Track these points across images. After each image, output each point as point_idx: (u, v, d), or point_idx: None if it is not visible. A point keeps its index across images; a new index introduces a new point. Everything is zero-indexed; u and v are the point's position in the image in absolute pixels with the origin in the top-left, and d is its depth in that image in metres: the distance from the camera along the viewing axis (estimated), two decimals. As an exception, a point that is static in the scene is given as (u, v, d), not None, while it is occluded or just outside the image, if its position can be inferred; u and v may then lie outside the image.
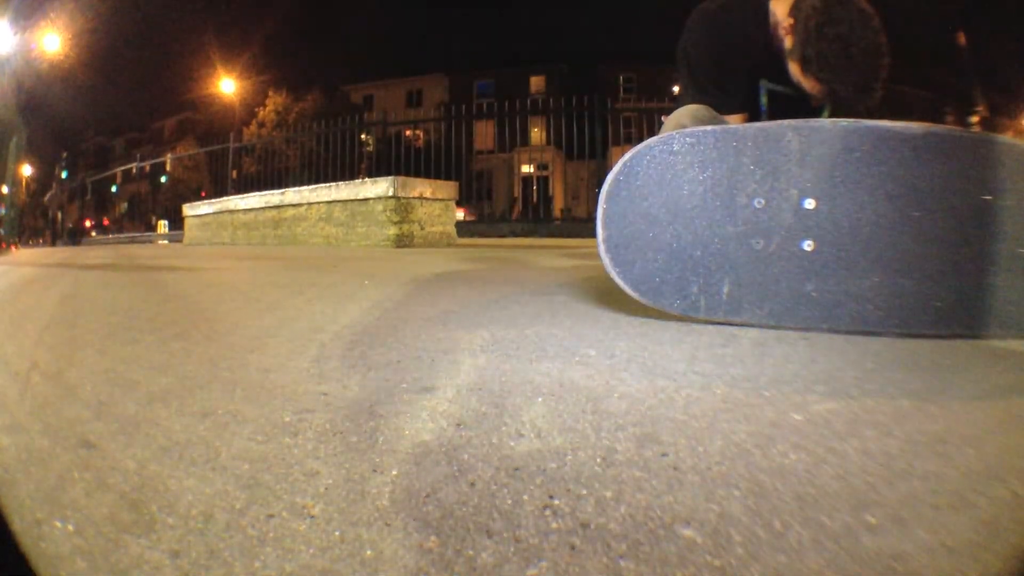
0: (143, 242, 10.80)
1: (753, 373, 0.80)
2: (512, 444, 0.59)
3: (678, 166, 1.04)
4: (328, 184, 4.73)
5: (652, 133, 1.43)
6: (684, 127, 1.30)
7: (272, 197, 5.14)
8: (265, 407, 0.72)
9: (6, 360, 1.02)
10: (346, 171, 7.43)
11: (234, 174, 9.47)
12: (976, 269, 0.92)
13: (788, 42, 1.37)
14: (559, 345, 0.97)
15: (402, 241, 4.14)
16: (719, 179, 1.02)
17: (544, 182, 19.25)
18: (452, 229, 4.58)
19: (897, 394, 0.72)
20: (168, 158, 13.21)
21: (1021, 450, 0.59)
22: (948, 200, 0.94)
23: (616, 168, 1.07)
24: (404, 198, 4.20)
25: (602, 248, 1.07)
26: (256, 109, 18.30)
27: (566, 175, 16.53)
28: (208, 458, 0.58)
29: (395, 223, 4.17)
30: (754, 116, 1.50)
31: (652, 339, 1.00)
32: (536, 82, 25.01)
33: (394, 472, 0.54)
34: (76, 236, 13.04)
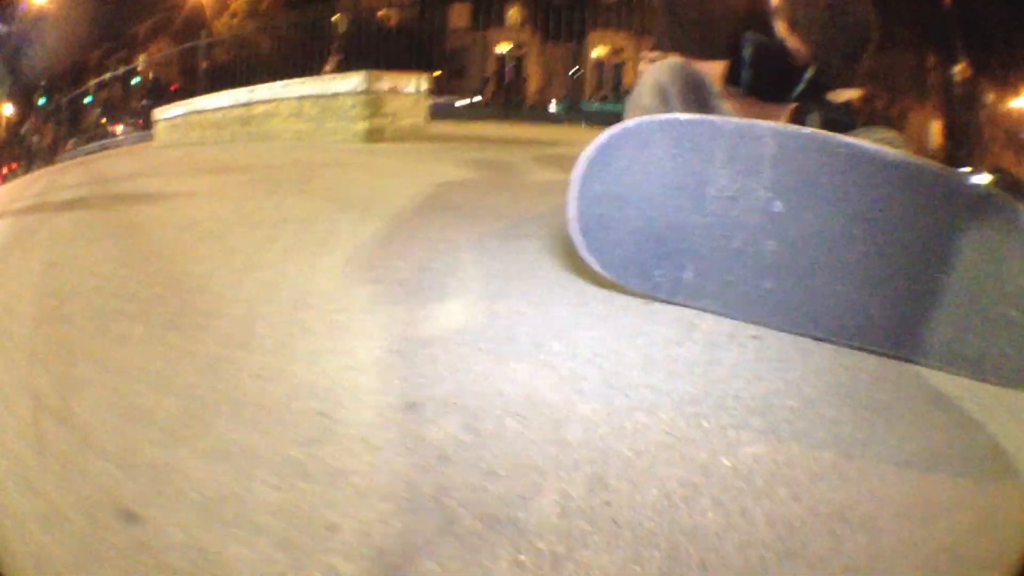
0: (115, 148, 10.57)
1: (700, 391, 0.84)
2: (488, 487, 0.64)
3: (652, 153, 1.07)
4: (298, 80, 4.69)
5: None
6: (664, 88, 1.34)
7: (241, 95, 5.09)
8: (271, 436, 0.74)
9: (7, 395, 0.96)
10: (317, 58, 7.30)
11: (204, 64, 9.21)
12: (929, 301, 0.96)
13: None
14: (528, 336, 1.00)
15: (372, 136, 4.16)
16: (692, 170, 1.06)
17: (518, 62, 18.69)
18: (422, 120, 4.59)
19: (823, 440, 0.75)
20: (140, 61, 12.73)
21: (915, 541, 0.60)
22: (912, 229, 0.98)
23: (590, 150, 1.10)
24: (374, 92, 4.20)
25: (573, 227, 1.11)
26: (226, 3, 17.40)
27: (543, 57, 16.08)
28: (241, 515, 0.60)
29: (365, 118, 4.18)
30: (735, 66, 1.49)
31: (613, 329, 1.04)
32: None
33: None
34: (52, 155, 12.77)
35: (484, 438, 0.72)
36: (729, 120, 1.09)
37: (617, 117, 1.25)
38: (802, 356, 0.95)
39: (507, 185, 2.56)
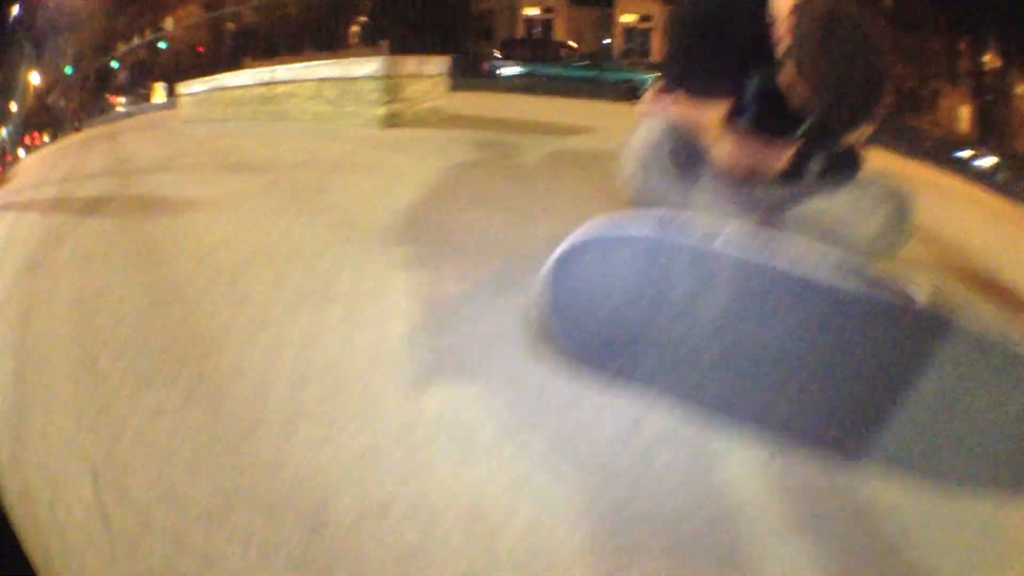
0: (139, 115, 10.70)
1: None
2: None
3: (611, 263, 1.15)
4: (319, 62, 4.72)
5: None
6: (651, 158, 1.36)
7: (263, 74, 5.14)
8: (281, 525, 0.84)
9: (68, 464, 1.07)
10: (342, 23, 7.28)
11: (233, 26, 9.30)
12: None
13: (784, 42, 1.34)
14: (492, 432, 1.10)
15: (391, 121, 4.20)
16: (651, 280, 1.14)
17: (547, 25, 18.01)
18: (442, 103, 4.61)
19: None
20: (167, 27, 12.78)
21: None
22: (865, 363, 1.06)
23: (554, 258, 1.17)
24: (394, 77, 4.22)
25: (542, 321, 1.22)
26: None
27: (570, 21, 15.70)
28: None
29: (384, 103, 4.21)
30: (738, 106, 1.52)
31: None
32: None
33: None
34: (78, 123, 12.88)
35: (430, 549, 0.82)
36: (689, 246, 1.14)
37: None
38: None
39: (515, 199, 2.58)
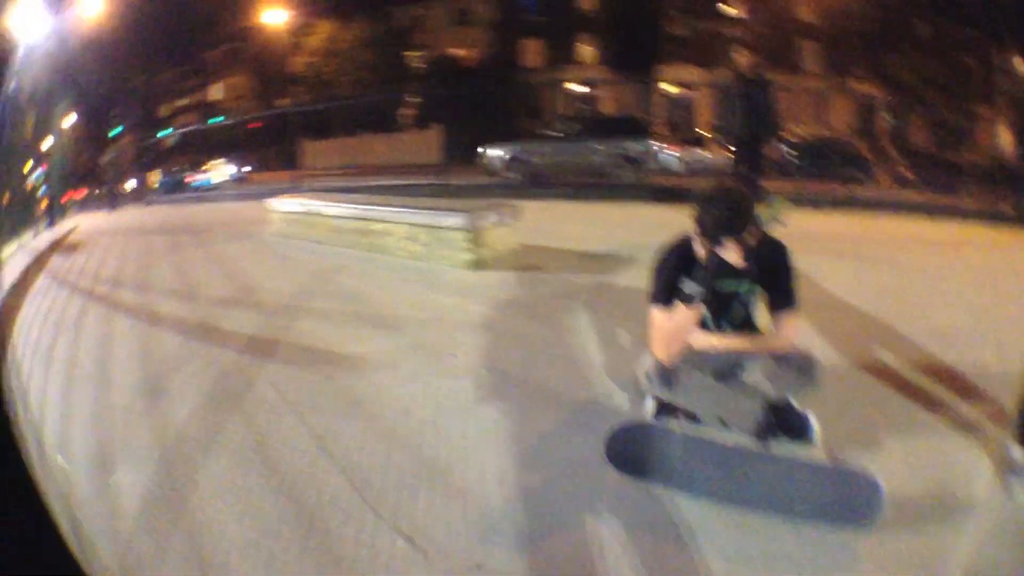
0: (212, 201, 11.60)
1: None
2: None
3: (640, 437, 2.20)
4: (411, 208, 5.78)
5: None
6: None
7: (358, 210, 6.18)
8: None
9: None
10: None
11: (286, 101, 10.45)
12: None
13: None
14: None
15: (477, 265, 5.23)
16: (657, 445, 2.15)
17: (591, 100, 18.50)
18: (514, 244, 5.65)
19: None
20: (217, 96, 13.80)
21: None
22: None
23: (608, 434, 2.15)
24: (476, 229, 5.27)
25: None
26: (301, 38, 18.09)
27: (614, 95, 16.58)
28: None
29: (470, 250, 5.26)
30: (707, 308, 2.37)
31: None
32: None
33: None
34: (140, 197, 13.63)
35: None
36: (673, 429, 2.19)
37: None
38: None
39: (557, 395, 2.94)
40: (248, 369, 3.32)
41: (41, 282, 5.75)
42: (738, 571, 1.80)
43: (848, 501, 1.96)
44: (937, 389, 2.84)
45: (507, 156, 12.32)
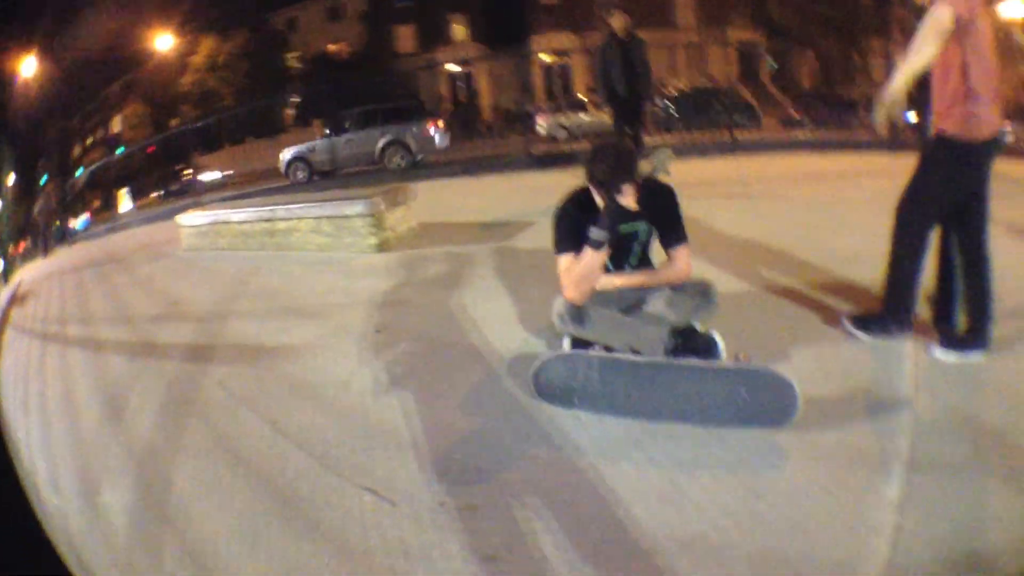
0: (127, 230, 11.52)
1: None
2: None
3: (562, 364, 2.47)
4: (313, 203, 6.08)
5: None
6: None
7: (264, 212, 6.42)
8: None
9: None
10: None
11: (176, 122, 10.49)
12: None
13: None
14: None
15: (382, 247, 5.60)
16: (579, 372, 2.44)
17: (468, 78, 18.87)
18: (413, 224, 6.03)
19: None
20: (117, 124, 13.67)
21: None
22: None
23: (537, 364, 2.46)
24: (377, 214, 5.63)
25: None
26: (188, 58, 17.80)
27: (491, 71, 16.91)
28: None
29: (374, 234, 5.62)
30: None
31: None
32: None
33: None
34: (65, 238, 13.53)
35: None
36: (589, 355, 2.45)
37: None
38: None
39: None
40: (194, 375, 3.56)
41: (8, 337, 5.82)
42: (672, 476, 2.01)
43: (761, 401, 2.14)
44: (839, 303, 3.13)
45: (292, 158, 13.04)
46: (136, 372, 3.82)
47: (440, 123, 12.98)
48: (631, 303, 2.70)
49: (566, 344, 2.70)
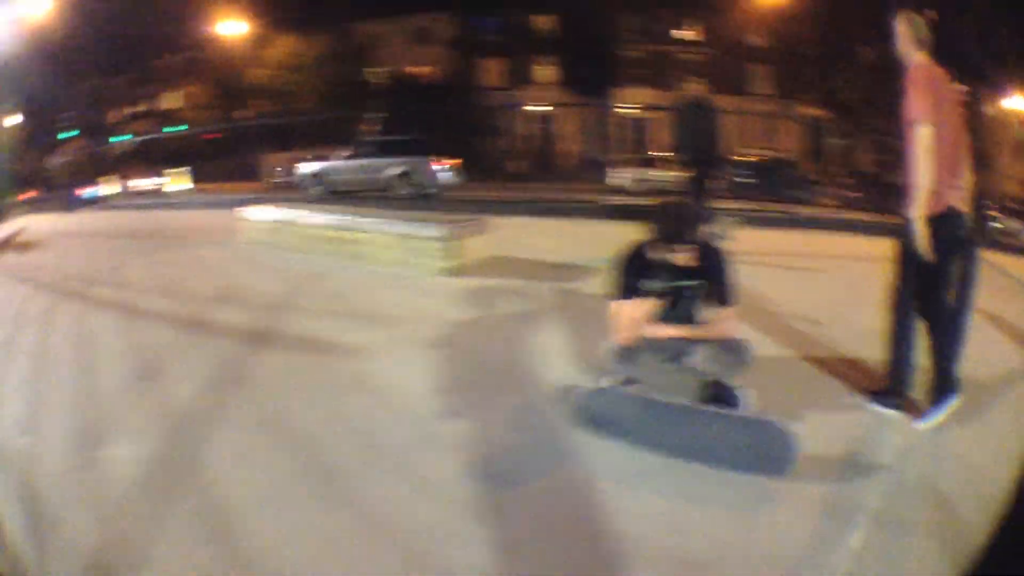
0: (171, 208, 11.48)
1: None
2: None
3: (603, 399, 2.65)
4: (390, 220, 6.08)
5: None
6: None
7: (338, 219, 6.44)
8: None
9: None
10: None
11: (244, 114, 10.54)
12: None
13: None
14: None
15: (451, 272, 5.56)
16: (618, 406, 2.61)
17: (546, 120, 18.43)
18: (484, 255, 6.00)
19: None
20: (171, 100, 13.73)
21: None
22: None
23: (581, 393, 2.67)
24: (452, 240, 5.61)
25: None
26: (262, 51, 17.98)
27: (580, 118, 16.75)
28: None
29: (445, 259, 5.60)
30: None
31: None
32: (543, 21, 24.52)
33: None
34: (74, 204, 13.19)
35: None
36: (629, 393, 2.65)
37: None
38: None
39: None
40: (246, 356, 3.60)
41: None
42: (676, 508, 2.20)
43: (763, 448, 2.34)
44: (849, 375, 3.30)
45: (310, 172, 13.75)
46: (182, 344, 3.86)
47: (445, 161, 13.53)
48: (675, 352, 2.88)
49: (605, 380, 2.85)
